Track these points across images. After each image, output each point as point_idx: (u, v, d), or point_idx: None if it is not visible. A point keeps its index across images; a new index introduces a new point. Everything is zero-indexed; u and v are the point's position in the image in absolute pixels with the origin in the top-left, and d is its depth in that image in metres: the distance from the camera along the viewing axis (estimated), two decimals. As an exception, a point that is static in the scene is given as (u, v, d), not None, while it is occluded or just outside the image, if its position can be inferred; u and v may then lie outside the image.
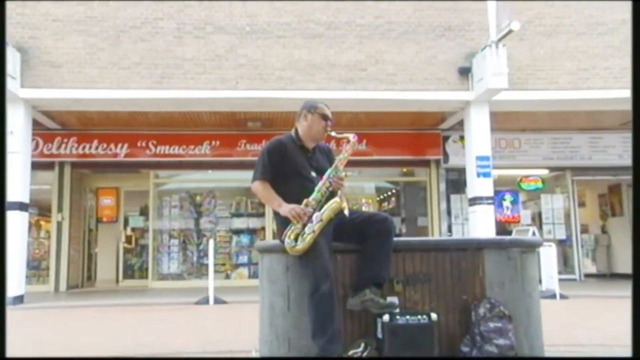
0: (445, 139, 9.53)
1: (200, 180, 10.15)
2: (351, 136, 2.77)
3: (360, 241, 2.73)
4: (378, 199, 11.59)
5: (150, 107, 7.78)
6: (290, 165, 2.75)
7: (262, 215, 9.76)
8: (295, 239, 2.60)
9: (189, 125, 8.99)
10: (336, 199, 2.64)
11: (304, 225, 2.60)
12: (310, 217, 2.61)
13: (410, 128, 9.43)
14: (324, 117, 2.83)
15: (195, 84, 7.32)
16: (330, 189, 2.69)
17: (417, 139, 9.55)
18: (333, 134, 2.81)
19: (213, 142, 9.15)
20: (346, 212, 2.62)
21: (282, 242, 2.67)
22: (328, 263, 2.56)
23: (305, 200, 2.63)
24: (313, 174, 2.78)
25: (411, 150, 9.51)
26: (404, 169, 10.38)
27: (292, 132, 2.89)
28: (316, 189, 2.67)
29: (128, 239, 10.77)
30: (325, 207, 2.64)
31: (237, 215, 9.95)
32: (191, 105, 7.72)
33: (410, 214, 10.20)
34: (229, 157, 9.23)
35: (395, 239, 2.77)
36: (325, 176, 2.71)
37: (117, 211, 10.53)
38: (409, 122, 9.08)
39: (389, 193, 11.36)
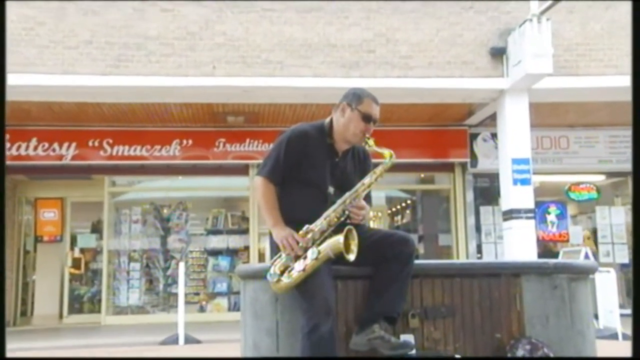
0: (473, 137, 9.60)
1: (168, 188, 10.21)
2: (388, 154, 2.76)
3: (371, 264, 2.74)
4: (389, 211, 11.67)
5: (105, 97, 7.77)
6: (307, 170, 2.74)
7: (245, 232, 9.77)
8: (282, 273, 2.60)
9: (154, 121, 9.03)
10: (340, 237, 2.56)
11: (296, 259, 2.60)
12: (305, 251, 2.59)
13: (429, 124, 9.48)
14: (367, 118, 2.77)
15: (161, 69, 7.38)
16: (342, 218, 2.65)
17: (438, 137, 9.59)
18: (370, 143, 2.76)
19: (184, 142, 9.21)
20: (351, 257, 2.57)
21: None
22: (330, 296, 2.56)
23: (306, 227, 2.61)
24: (332, 189, 2.75)
25: (430, 151, 9.55)
26: (422, 175, 10.46)
27: (326, 122, 2.83)
28: (324, 214, 2.63)
29: (76, 263, 10.69)
30: (327, 243, 2.59)
31: (214, 232, 9.98)
32: (156, 95, 7.79)
33: (429, 231, 10.23)
34: (204, 160, 9.29)
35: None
36: (340, 200, 2.65)
37: (62, 228, 10.45)
38: (428, 116, 9.14)
39: (403, 204, 11.41)
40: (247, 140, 9.13)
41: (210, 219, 10.03)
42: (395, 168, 11.47)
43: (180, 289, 7.11)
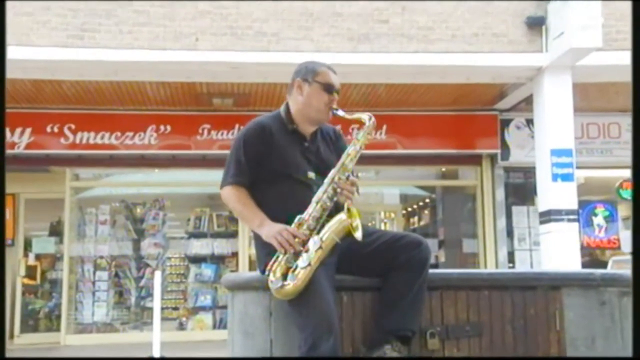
0: (505, 124, 9.64)
1: (142, 183, 10.25)
2: (366, 117, 2.84)
3: (378, 274, 2.79)
4: (404, 212, 11.81)
5: (66, 73, 7.78)
6: (277, 162, 2.82)
7: (233, 235, 9.84)
8: (284, 276, 2.63)
9: (126, 103, 9.08)
10: (342, 215, 2.67)
11: (297, 256, 2.65)
12: (305, 244, 2.65)
13: (452, 108, 9.53)
14: (328, 88, 2.88)
15: (134, 41, 7.38)
16: (335, 199, 2.74)
17: (463, 124, 9.65)
18: (340, 113, 2.86)
19: (162, 128, 9.25)
20: (358, 234, 2.67)
21: (263, 273, 2.74)
22: (331, 309, 2.60)
23: (298, 218, 2.68)
24: (312, 174, 2.85)
25: (453, 141, 9.60)
26: (443, 168, 10.50)
27: (282, 110, 2.95)
28: (314, 199, 2.72)
29: (30, 272, 10.68)
30: (327, 227, 2.68)
31: (197, 235, 10.00)
32: (128, 72, 7.79)
33: (451, 235, 10.33)
34: (185, 149, 9.34)
35: (430, 270, 2.81)
36: (327, 179, 2.75)
37: (14, 230, 10.44)
38: (451, 99, 9.17)
39: (420, 204, 11.46)
40: (236, 126, 9.09)
41: (192, 220, 10.04)
42: (410, 160, 11.25)
43: (156, 303, 7.09)
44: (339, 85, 2.93)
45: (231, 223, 9.89)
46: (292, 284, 2.60)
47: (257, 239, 2.83)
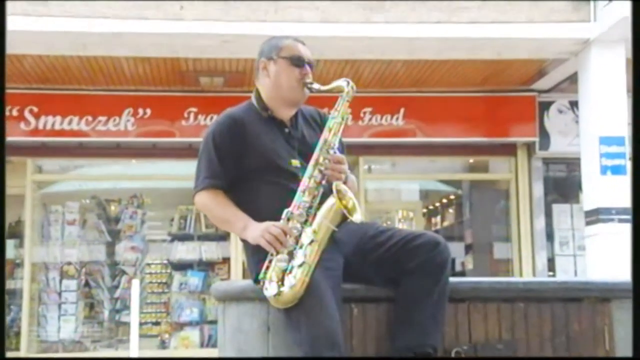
0: (545, 107, 9.66)
1: (117, 176, 10.33)
2: (343, 83, 2.91)
3: (392, 281, 2.84)
4: (425, 211, 11.89)
5: (27, 46, 7.70)
6: (255, 156, 2.91)
7: (224, 237, 9.93)
8: (281, 281, 2.68)
9: (98, 82, 9.11)
10: (330, 199, 2.73)
11: (291, 255, 2.70)
12: (296, 238, 2.72)
13: (482, 89, 9.57)
14: (297, 61, 2.98)
15: (107, 9, 7.37)
16: (324, 181, 2.81)
17: (494, 107, 9.69)
18: (315, 87, 2.96)
19: (140, 111, 9.30)
20: (356, 216, 2.72)
21: (257, 282, 2.77)
22: (333, 320, 2.64)
23: (285, 213, 2.74)
24: (296, 161, 2.93)
25: (483, 127, 9.64)
26: (471, 160, 10.58)
27: (252, 98, 3.07)
28: (300, 188, 2.79)
29: (-14, 280, 10.83)
30: (319, 216, 2.74)
31: (182, 237, 10.08)
32: (101, 45, 7.77)
33: (480, 238, 10.41)
34: (167, 136, 9.41)
35: (455, 279, 2.85)
36: (311, 163, 2.83)
37: (-34, 231, 10.60)
38: (480, 78, 9.20)
39: (444, 201, 11.56)
40: (228, 109, 9.16)
41: (176, 220, 10.11)
42: (432, 150, 11.32)
43: (134, 317, 7.16)
44: (311, 57, 3.02)
45: None
46: (290, 288, 2.64)
47: (247, 245, 2.89)
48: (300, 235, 2.70)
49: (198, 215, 10.07)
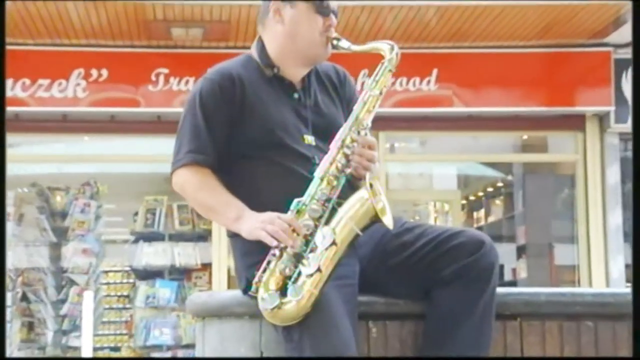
0: (623, 66, 9.66)
1: (63, 158, 10.55)
2: (386, 46, 2.87)
3: (421, 292, 2.85)
4: (464, 202, 12.14)
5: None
6: (255, 126, 2.87)
7: (204, 236, 10.14)
8: (281, 290, 2.65)
9: (38, 34, 9.22)
10: (363, 192, 2.70)
11: (298, 259, 2.66)
12: (309, 241, 2.68)
13: (540, 43, 9.68)
14: (322, 8, 2.92)
15: None
16: (349, 170, 2.77)
17: (555, 67, 9.82)
18: (345, 44, 2.91)
19: (94, 73, 9.38)
20: (388, 220, 2.70)
21: (246, 293, 2.76)
22: (348, 343, 2.63)
23: (296, 204, 2.70)
24: (310, 138, 2.91)
25: (540, 94, 9.80)
26: (524, 136, 10.77)
27: (253, 51, 3.01)
28: (317, 174, 2.74)
29: None
30: (341, 212, 2.71)
31: (149, 236, 10.21)
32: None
33: (537, 238, 10.62)
34: (129, 106, 9.55)
35: (504, 289, 2.89)
36: (335, 143, 2.78)
37: None
38: (538, 28, 9.27)
39: (490, 190, 11.82)
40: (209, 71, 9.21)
41: (141, 214, 10.23)
42: (474, 124, 11.56)
43: (86, 340, 7.20)
44: (336, 5, 2.96)
45: (201, 218, 10.03)
46: (295, 302, 2.61)
47: (236, 243, 2.87)
48: (312, 234, 2.67)
49: (170, 208, 10.18)
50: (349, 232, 2.65)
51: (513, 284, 10.08)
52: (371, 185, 2.68)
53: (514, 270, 10.49)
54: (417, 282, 2.82)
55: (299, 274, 2.62)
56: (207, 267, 9.99)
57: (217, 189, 2.82)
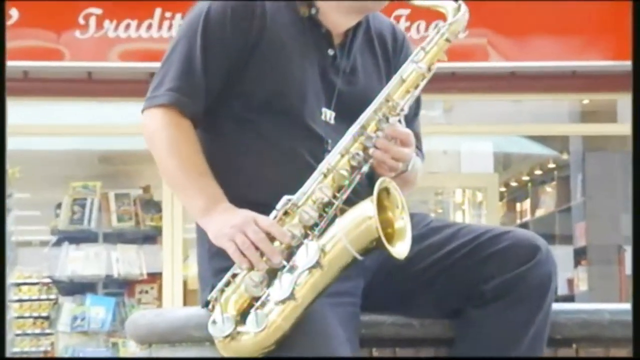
0: None
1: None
2: (448, 5, 2.84)
3: (450, 310, 2.89)
4: (504, 190, 12.58)
5: None
6: (266, 80, 2.89)
7: (151, 236, 10.52)
8: (242, 314, 2.65)
9: None
10: (367, 205, 2.63)
11: (272, 275, 2.65)
12: (290, 252, 2.66)
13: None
14: None
15: None
16: (364, 168, 2.76)
17: (625, 8, 9.62)
18: None
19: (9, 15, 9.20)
20: (400, 249, 2.65)
21: (207, 307, 2.73)
22: None
23: (284, 202, 2.68)
24: (329, 112, 2.92)
25: (606, 44, 9.95)
26: (584, 100, 10.98)
27: None
28: (321, 166, 2.74)
29: None
30: (338, 225, 2.66)
31: (76, 237, 10.43)
32: None
33: (602, 238, 10.99)
34: (48, 59, 9.74)
35: (555, 306, 2.88)
36: (354, 128, 2.76)
37: None
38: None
39: (537, 173, 12.32)
40: (164, 14, 9.48)
41: (66, 207, 10.34)
42: (519, 84, 11.58)
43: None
44: None
45: (147, 211, 10.30)
46: (253, 334, 2.60)
47: (204, 237, 2.83)
48: (297, 247, 2.65)
49: (105, 198, 10.32)
50: (342, 253, 2.62)
51: (569, 299, 10.23)
52: (387, 190, 2.65)
53: (570, 282, 10.62)
54: (443, 299, 2.86)
55: (267, 298, 2.63)
56: (155, 277, 10.10)
57: (193, 160, 2.84)
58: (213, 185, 2.79)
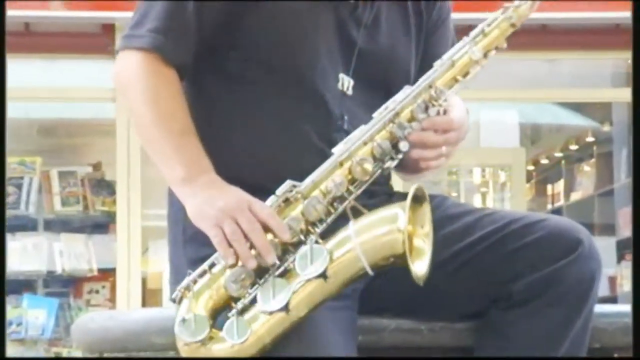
0: None
1: None
2: None
3: (471, 312, 2.95)
4: (532, 167, 12.21)
5: None
6: (267, 26, 2.93)
7: (103, 225, 10.89)
8: (214, 315, 2.66)
9: None
10: (396, 210, 2.62)
11: (261, 274, 2.65)
12: (285, 252, 2.68)
13: None
14: None
15: None
16: (392, 162, 2.80)
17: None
18: None
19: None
20: (420, 269, 2.64)
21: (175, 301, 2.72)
22: None
23: (286, 187, 2.70)
24: (348, 80, 2.95)
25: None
26: (630, 59, 10.49)
27: None
28: (336, 150, 2.75)
29: None
30: (354, 228, 2.66)
31: (11, 225, 10.36)
32: None
33: None
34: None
35: (599, 307, 2.95)
36: (382, 110, 2.77)
37: None
38: None
39: (573, 149, 12.33)
40: None
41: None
42: (550, 40, 11.57)
43: None
44: None
45: (98, 194, 10.50)
46: (231, 344, 2.60)
47: (176, 216, 2.88)
48: (298, 245, 2.64)
49: (47, 177, 10.32)
50: (351, 264, 2.64)
51: (611, 300, 10.25)
52: (420, 198, 2.66)
53: (611, 280, 10.61)
54: (461, 301, 2.94)
55: (253, 301, 2.61)
56: (107, 274, 10.01)
57: (175, 115, 2.86)
58: (197, 148, 2.76)
